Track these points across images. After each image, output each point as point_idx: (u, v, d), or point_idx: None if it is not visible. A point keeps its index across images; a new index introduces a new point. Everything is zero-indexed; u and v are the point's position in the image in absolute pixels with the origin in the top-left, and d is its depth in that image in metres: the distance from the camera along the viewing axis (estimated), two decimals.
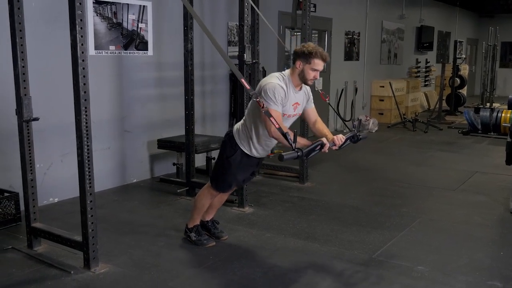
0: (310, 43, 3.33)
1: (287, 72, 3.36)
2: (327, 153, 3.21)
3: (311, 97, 3.52)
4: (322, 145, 3.09)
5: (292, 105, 3.33)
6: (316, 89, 3.61)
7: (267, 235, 3.98)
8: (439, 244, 3.84)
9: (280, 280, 3.22)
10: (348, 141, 3.32)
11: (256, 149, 3.46)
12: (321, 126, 3.46)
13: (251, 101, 3.40)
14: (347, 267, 3.42)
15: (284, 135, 2.93)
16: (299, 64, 3.27)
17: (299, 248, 3.74)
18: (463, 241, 3.92)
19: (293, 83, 3.31)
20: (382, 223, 4.29)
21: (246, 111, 3.50)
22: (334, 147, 3.23)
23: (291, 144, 2.92)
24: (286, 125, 3.34)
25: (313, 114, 3.52)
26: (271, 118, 2.98)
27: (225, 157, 3.49)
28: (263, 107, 3.00)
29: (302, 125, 5.34)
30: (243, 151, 3.44)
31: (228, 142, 3.48)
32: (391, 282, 3.19)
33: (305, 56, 3.24)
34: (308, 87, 3.46)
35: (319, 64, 3.26)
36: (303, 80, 3.31)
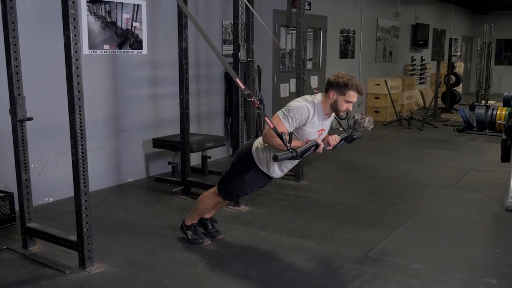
0: (345, 74, 3.24)
1: (319, 97, 3.28)
2: (322, 152, 3.20)
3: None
4: (317, 145, 3.07)
5: (317, 132, 3.28)
6: (311, 87, 3.59)
7: (262, 234, 3.97)
8: (435, 242, 3.85)
9: (276, 278, 3.22)
10: (343, 141, 3.33)
11: (274, 170, 3.40)
12: None
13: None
14: (342, 265, 3.42)
15: (279, 135, 2.91)
16: (332, 94, 3.20)
17: (295, 246, 3.74)
18: (458, 238, 3.93)
19: (323, 111, 3.26)
20: (378, 221, 4.29)
21: None
22: (328, 148, 3.22)
23: (286, 145, 2.91)
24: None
25: None
26: (266, 117, 2.96)
27: (239, 173, 3.44)
28: (258, 107, 2.98)
29: None
30: (261, 170, 3.39)
31: (245, 159, 3.40)
32: (386, 280, 3.19)
33: (340, 87, 3.17)
34: None
35: (354, 97, 3.20)
36: (335, 110, 3.26)
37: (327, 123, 3.36)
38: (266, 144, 3.28)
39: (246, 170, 3.41)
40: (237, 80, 3.07)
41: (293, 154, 2.93)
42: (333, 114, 3.36)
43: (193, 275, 3.27)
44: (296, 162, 3.46)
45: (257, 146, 3.37)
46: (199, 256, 3.53)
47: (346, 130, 3.40)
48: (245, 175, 3.43)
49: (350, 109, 3.28)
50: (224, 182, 3.56)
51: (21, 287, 3.07)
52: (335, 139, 3.23)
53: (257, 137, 3.80)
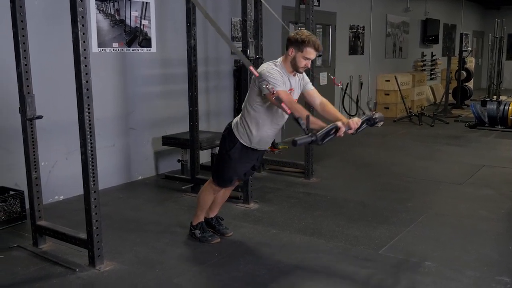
0: (304, 31, 3.30)
1: (279, 59, 3.35)
2: (340, 138, 3.07)
3: (307, 79, 3.48)
4: (337, 128, 2.92)
5: (288, 91, 3.28)
6: (329, 75, 3.54)
7: (272, 231, 3.96)
8: (446, 239, 3.81)
9: (286, 276, 3.21)
10: (365, 125, 3.16)
11: (255, 141, 3.41)
12: (331, 108, 3.33)
13: (248, 92, 3.39)
14: (353, 263, 3.39)
15: (296, 120, 2.81)
16: (291, 51, 3.26)
17: (305, 244, 3.72)
18: (470, 235, 3.89)
19: (286, 70, 3.30)
20: (388, 218, 4.26)
21: (244, 103, 3.45)
22: (350, 131, 3.05)
23: (304, 129, 2.78)
24: (284, 118, 3.37)
25: (315, 95, 3.43)
26: (282, 104, 2.91)
27: (225, 151, 3.47)
28: (273, 95, 2.97)
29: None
30: (243, 144, 3.41)
31: (228, 136, 3.46)
32: (398, 278, 3.16)
33: (298, 43, 3.22)
34: None
35: (311, 53, 3.23)
36: (295, 67, 3.29)
37: (294, 82, 3.35)
38: (244, 116, 3.34)
39: (230, 147, 3.43)
40: (251, 68, 3.05)
41: (312, 138, 2.78)
42: (299, 75, 3.37)
43: (202, 273, 3.26)
44: (276, 130, 3.43)
45: (236, 121, 3.42)
46: (208, 254, 3.53)
47: (365, 114, 3.25)
48: (230, 152, 3.43)
49: (309, 65, 3.30)
50: (215, 168, 3.62)
51: (31, 284, 3.09)
52: (356, 122, 3.09)
53: None
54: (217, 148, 5.70)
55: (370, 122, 3.19)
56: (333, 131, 2.91)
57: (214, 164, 3.64)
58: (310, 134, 2.78)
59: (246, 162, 3.55)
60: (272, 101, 3.12)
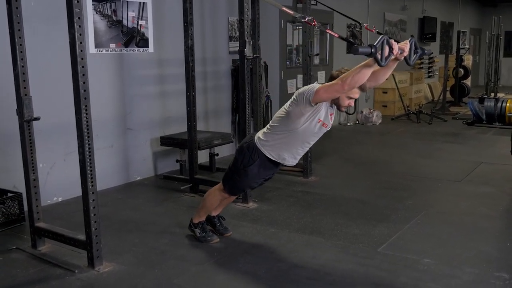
0: (348, 69, 3.12)
1: None
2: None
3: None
4: (388, 40, 2.71)
5: (330, 115, 3.24)
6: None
7: (271, 231, 3.96)
8: (446, 236, 3.81)
9: (285, 275, 3.20)
10: (420, 52, 2.89)
11: (282, 158, 3.35)
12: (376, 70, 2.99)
13: (285, 112, 3.23)
14: (352, 261, 3.39)
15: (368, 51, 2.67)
16: None
17: (304, 243, 3.72)
18: (469, 232, 3.89)
19: (327, 102, 3.21)
20: (388, 216, 4.26)
21: (274, 119, 3.34)
22: (403, 54, 2.81)
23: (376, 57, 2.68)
24: (317, 137, 3.32)
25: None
26: (327, 29, 2.85)
27: (242, 166, 3.40)
28: (314, 24, 2.95)
29: None
30: (267, 157, 3.35)
31: (247, 152, 3.37)
32: (397, 275, 3.16)
33: None
34: None
35: (356, 93, 3.14)
36: (337, 105, 3.22)
37: (333, 109, 3.30)
38: (275, 132, 3.26)
39: (249, 163, 3.38)
40: (284, 8, 2.97)
41: (372, 50, 2.65)
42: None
43: (201, 273, 3.26)
44: (307, 148, 3.40)
45: (259, 136, 3.36)
46: (207, 254, 3.53)
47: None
48: (248, 168, 3.39)
49: (352, 105, 3.25)
50: (228, 177, 3.55)
51: (30, 286, 3.08)
52: (405, 43, 2.83)
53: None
54: (216, 148, 5.75)
55: (421, 51, 2.92)
56: (386, 41, 2.72)
57: (228, 173, 3.54)
58: (370, 45, 2.67)
59: (262, 177, 3.52)
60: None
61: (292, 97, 3.21)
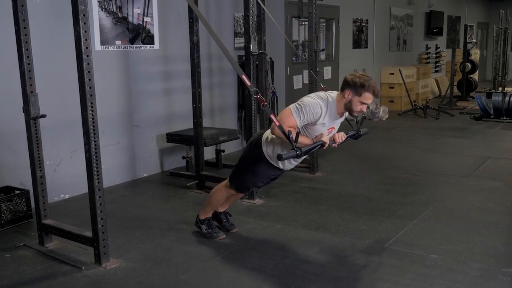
0: (363, 74, 3.19)
1: (334, 95, 3.23)
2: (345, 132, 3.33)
3: None
4: (323, 144, 3.13)
5: (328, 130, 3.25)
6: (320, 84, 3.57)
7: (277, 227, 3.95)
8: (453, 232, 3.79)
9: (291, 271, 3.20)
10: (349, 139, 3.35)
11: (284, 163, 3.37)
12: None
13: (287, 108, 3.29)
14: (359, 257, 3.39)
15: (286, 133, 2.94)
16: (348, 94, 3.14)
17: (310, 239, 3.72)
18: (476, 228, 3.87)
19: (336, 109, 3.21)
20: (394, 211, 4.25)
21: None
22: (333, 145, 3.24)
23: (292, 143, 2.94)
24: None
25: None
26: (271, 115, 2.97)
27: (249, 164, 3.43)
28: (264, 104, 3.00)
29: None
30: (270, 163, 3.37)
31: (255, 151, 3.38)
32: (404, 271, 3.15)
33: (356, 87, 3.10)
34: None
35: (369, 98, 3.13)
36: (349, 110, 3.21)
37: (338, 122, 3.34)
38: (274, 137, 3.26)
39: (255, 162, 3.40)
40: (243, 77, 3.06)
41: (297, 152, 2.96)
42: (346, 113, 3.31)
43: (208, 269, 3.26)
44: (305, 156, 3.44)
45: (267, 138, 3.35)
46: (214, 250, 3.53)
47: (354, 127, 3.40)
48: (255, 167, 3.41)
49: (364, 110, 3.23)
50: (235, 174, 3.56)
51: (38, 283, 3.09)
52: (341, 137, 3.24)
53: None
54: (222, 145, 5.75)
55: (355, 136, 3.40)
56: (319, 146, 3.13)
57: (235, 171, 3.56)
58: (295, 148, 2.96)
59: (268, 176, 3.54)
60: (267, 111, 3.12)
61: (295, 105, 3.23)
